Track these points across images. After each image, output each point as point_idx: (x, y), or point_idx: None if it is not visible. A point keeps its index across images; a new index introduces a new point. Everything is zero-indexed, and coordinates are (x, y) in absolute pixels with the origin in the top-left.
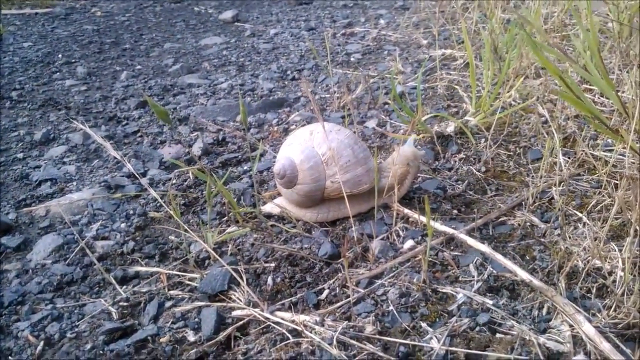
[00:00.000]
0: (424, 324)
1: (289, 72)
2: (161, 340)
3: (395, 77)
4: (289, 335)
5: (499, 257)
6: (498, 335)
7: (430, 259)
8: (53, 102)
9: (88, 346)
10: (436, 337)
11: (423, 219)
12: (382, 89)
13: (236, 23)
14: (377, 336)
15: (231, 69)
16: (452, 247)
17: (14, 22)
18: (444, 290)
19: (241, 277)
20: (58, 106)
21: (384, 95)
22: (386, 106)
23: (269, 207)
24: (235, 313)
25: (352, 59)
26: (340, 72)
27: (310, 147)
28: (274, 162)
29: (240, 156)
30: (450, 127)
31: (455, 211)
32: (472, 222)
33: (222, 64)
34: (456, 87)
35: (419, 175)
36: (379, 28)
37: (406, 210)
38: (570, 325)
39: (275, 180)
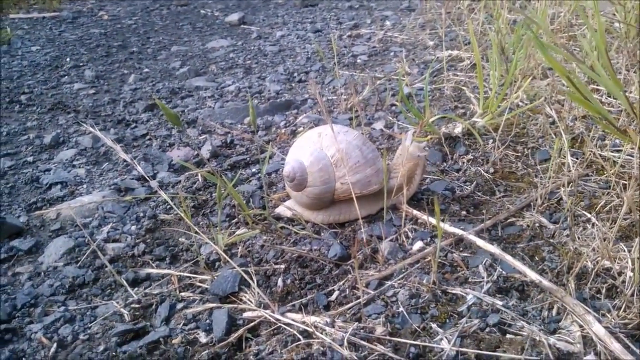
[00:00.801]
0: (434, 325)
1: (295, 74)
2: (173, 341)
3: (402, 78)
4: (300, 337)
5: (508, 258)
6: (508, 336)
7: (439, 260)
8: (62, 106)
9: (101, 348)
10: (446, 338)
11: (432, 220)
12: (389, 90)
13: (242, 25)
14: (388, 337)
15: (238, 71)
16: (461, 249)
17: (21, 26)
18: (453, 292)
19: (251, 279)
20: (67, 109)
21: (391, 96)
22: (393, 108)
23: (281, 210)
24: (246, 314)
25: (358, 61)
26: (347, 74)
27: (319, 149)
28: (283, 164)
29: (248, 158)
30: (458, 128)
31: (464, 212)
32: (481, 223)
33: (229, 66)
34: (463, 88)
35: (426, 176)
36: (385, 29)
37: (415, 212)
38: (580, 326)
39: (285, 183)
